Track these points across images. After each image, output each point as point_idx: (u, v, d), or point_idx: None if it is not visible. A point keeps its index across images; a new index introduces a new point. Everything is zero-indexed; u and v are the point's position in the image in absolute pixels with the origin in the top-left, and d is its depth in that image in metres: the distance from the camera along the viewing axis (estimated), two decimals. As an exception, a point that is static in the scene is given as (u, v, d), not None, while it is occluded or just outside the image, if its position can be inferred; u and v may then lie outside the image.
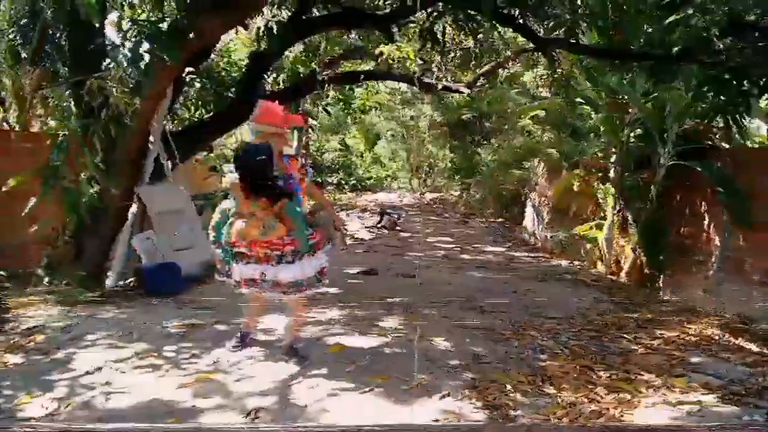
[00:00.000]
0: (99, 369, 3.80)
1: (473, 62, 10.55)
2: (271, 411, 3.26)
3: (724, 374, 3.92)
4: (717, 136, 7.28)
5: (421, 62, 10.32)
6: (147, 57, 5.52)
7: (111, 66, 6.10)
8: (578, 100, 8.98)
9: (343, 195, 19.91)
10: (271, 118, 3.80)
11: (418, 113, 19.71)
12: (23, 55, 6.88)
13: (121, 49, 6.41)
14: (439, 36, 8.02)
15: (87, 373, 3.73)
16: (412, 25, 8.88)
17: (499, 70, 11.72)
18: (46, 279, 5.88)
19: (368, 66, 10.59)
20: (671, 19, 5.32)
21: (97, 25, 5.92)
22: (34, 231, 6.19)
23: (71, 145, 6.08)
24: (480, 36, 8.33)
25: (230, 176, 3.76)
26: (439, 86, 10.25)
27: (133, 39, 5.39)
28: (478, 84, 10.96)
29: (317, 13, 8.10)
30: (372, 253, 8.94)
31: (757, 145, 8.30)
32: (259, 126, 3.78)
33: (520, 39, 9.31)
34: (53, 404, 3.31)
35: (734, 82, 5.58)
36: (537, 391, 3.57)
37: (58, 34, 6.57)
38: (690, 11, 5.16)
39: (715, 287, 6.30)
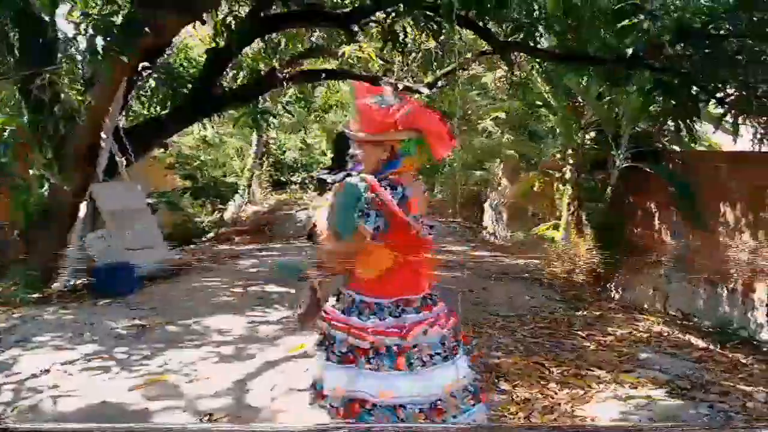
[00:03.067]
0: (46, 371, 3.69)
1: (435, 63, 10.58)
2: (226, 412, 3.22)
3: (670, 369, 4.05)
4: (668, 140, 7.51)
5: (382, 62, 10.31)
6: (101, 51, 5.37)
7: (63, 60, 5.92)
8: (536, 102, 9.14)
9: (305, 194, 19.76)
10: (371, 123, 2.36)
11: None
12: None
13: (73, 43, 6.24)
14: (400, 36, 8.04)
15: (34, 375, 3.62)
16: (373, 24, 8.86)
17: (460, 71, 11.79)
18: (-8, 279, 5.67)
19: (329, 65, 10.51)
20: (624, 23, 5.46)
21: (48, 17, 5.75)
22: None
23: (20, 140, 5.87)
24: (441, 37, 8.37)
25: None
26: (400, 86, 10.24)
27: (87, 33, 5.24)
28: (438, 85, 11.01)
29: (277, 10, 8.00)
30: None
31: (704, 148, 8.59)
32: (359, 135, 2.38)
33: (481, 41, 9.39)
34: (-2, 408, 3.21)
35: (683, 87, 5.76)
36: (492, 388, 3.61)
37: (6, 26, 6.32)
38: (641, 17, 5.31)
39: (665, 285, 6.50)
